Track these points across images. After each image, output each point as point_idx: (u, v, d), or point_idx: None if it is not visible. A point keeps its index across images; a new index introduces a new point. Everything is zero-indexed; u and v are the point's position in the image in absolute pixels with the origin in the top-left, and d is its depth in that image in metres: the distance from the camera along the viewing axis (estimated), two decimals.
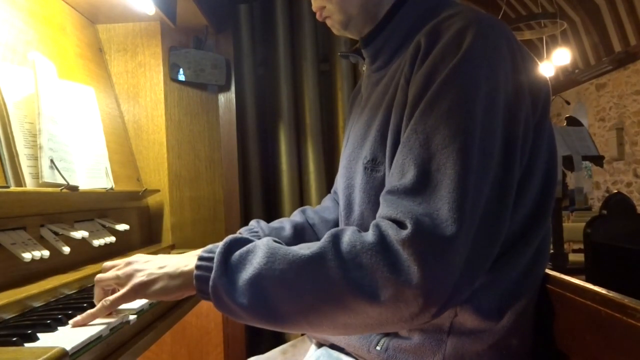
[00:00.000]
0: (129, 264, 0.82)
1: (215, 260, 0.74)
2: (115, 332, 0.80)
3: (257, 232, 1.12)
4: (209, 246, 0.77)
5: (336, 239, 0.72)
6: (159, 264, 0.79)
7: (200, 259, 0.76)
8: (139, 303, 0.91)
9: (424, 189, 0.71)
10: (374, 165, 0.86)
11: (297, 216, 1.19)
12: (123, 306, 0.84)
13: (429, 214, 0.68)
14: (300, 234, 1.14)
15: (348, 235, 0.72)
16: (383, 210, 0.73)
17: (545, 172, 0.83)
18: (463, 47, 0.75)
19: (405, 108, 0.79)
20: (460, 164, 0.70)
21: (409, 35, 0.87)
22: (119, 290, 0.81)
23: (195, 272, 0.75)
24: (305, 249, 0.72)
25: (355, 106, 1.08)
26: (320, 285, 0.70)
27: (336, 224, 1.17)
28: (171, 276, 0.77)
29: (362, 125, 0.93)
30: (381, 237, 0.69)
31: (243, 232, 1.12)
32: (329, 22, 0.97)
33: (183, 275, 0.77)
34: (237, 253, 0.75)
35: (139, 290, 0.78)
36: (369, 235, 0.71)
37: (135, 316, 0.86)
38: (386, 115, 0.85)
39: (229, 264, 0.74)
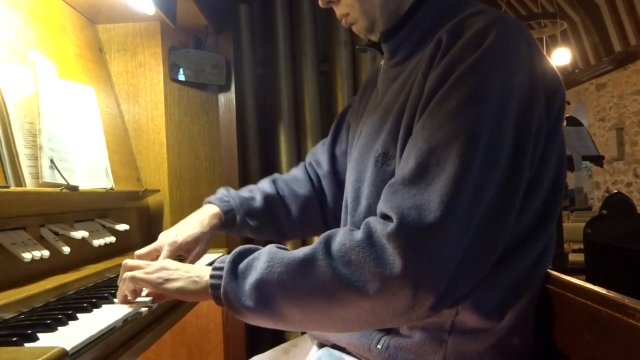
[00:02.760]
0: (162, 266, 0.87)
1: (225, 268, 0.81)
2: (115, 332, 0.80)
3: (227, 201, 1.12)
4: (222, 257, 0.85)
5: (328, 239, 0.77)
6: (186, 269, 0.87)
7: (214, 268, 0.82)
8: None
9: (420, 181, 0.72)
10: (385, 159, 0.86)
11: (267, 186, 1.19)
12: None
13: (419, 205, 0.70)
14: (271, 205, 1.15)
15: (340, 236, 0.76)
16: (379, 204, 0.76)
17: (554, 176, 0.83)
18: (482, 46, 0.75)
19: (419, 103, 0.80)
20: (460, 162, 0.71)
21: (430, 31, 0.87)
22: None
23: (209, 280, 0.81)
24: (299, 251, 0.78)
25: (369, 99, 1.07)
26: (313, 284, 0.74)
27: (306, 200, 1.18)
28: (192, 280, 0.84)
29: (377, 119, 0.93)
30: (369, 233, 0.73)
31: (213, 200, 1.12)
32: (354, 29, 0.97)
33: (200, 282, 0.83)
34: (245, 261, 0.81)
35: (162, 282, 0.85)
36: (359, 233, 0.74)
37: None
38: (401, 111, 0.85)
39: (237, 271, 0.80)
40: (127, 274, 0.87)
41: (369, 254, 0.71)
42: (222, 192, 1.14)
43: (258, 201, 1.14)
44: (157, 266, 0.87)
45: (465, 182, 0.70)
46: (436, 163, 0.72)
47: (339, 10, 0.96)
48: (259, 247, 0.84)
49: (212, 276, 0.81)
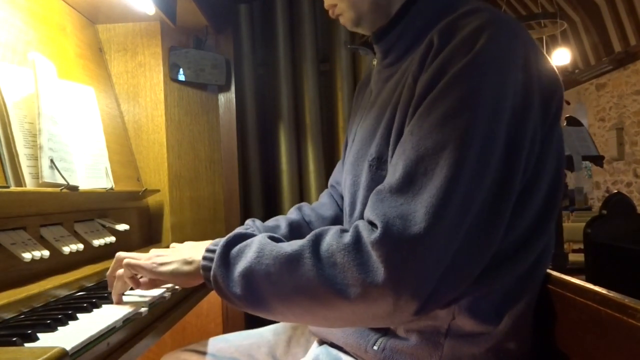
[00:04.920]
0: (154, 254, 0.90)
1: (217, 252, 0.81)
2: (115, 332, 0.80)
3: (252, 231, 1.12)
4: (217, 239, 0.84)
5: (317, 238, 0.76)
6: (177, 251, 0.89)
7: (207, 250, 0.83)
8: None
9: (407, 190, 0.71)
10: (379, 164, 0.85)
11: (293, 213, 1.19)
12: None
13: (404, 215, 0.69)
14: (297, 231, 1.15)
15: (329, 235, 0.76)
16: (365, 210, 0.76)
17: (552, 178, 0.82)
18: (474, 49, 0.73)
19: (409, 107, 0.78)
20: (449, 172, 0.69)
21: (424, 31, 0.84)
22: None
23: (201, 262, 0.82)
24: (289, 245, 0.78)
25: (362, 100, 1.06)
26: (297, 281, 0.74)
27: (333, 221, 1.18)
28: (184, 261, 0.86)
29: (371, 122, 0.91)
30: (357, 238, 0.73)
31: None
32: (341, 20, 0.96)
33: (193, 263, 0.85)
34: (237, 247, 0.81)
35: (154, 266, 0.87)
36: (347, 236, 0.74)
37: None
38: (394, 114, 0.84)
39: (228, 257, 0.80)
40: (118, 265, 0.90)
41: (354, 259, 0.71)
42: (248, 223, 1.15)
43: (282, 228, 1.14)
44: (149, 254, 0.90)
45: (453, 193, 0.69)
46: (424, 172, 0.71)
47: (327, 1, 0.95)
48: (255, 233, 0.85)
49: (204, 258, 0.82)
